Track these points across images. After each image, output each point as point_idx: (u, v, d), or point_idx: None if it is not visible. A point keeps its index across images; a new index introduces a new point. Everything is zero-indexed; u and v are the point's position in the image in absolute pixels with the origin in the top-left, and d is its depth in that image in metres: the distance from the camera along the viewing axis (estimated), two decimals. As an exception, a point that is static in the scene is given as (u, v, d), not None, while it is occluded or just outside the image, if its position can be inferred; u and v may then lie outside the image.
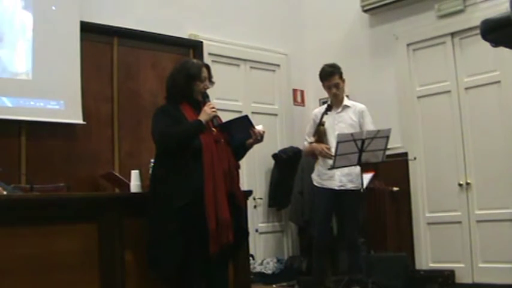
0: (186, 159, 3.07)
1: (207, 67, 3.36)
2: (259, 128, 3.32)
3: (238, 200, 3.24)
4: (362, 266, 4.27)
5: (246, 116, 3.33)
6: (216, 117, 3.23)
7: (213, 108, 3.19)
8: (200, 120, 3.13)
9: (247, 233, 3.42)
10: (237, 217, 3.20)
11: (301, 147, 5.17)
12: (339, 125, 4.34)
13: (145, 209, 3.12)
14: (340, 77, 4.40)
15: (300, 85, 6.18)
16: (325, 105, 4.43)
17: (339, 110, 4.39)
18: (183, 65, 3.33)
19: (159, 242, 3.02)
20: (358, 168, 4.14)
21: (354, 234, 4.30)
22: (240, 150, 3.38)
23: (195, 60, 3.52)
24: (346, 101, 4.44)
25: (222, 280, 3.25)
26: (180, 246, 2.98)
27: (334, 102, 4.42)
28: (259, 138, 3.32)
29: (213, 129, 3.19)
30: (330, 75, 4.37)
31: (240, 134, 3.28)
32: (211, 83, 3.35)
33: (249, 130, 3.28)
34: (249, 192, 3.77)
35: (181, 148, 3.08)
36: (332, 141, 4.20)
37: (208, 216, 2.97)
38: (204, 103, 3.22)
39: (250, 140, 3.32)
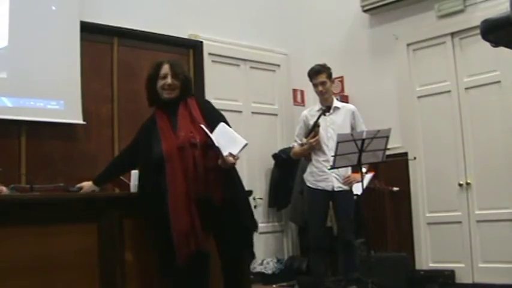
0: (149, 173, 3.06)
1: (170, 63, 3.17)
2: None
3: (216, 201, 2.98)
4: (358, 265, 4.28)
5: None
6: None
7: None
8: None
9: (245, 228, 3.10)
10: (221, 218, 3.02)
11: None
12: (330, 127, 4.35)
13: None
14: (328, 76, 4.41)
15: (300, 85, 6.16)
16: (316, 107, 4.47)
17: (330, 112, 4.39)
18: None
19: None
20: (349, 169, 4.27)
21: (349, 234, 4.31)
22: None
23: (160, 60, 3.31)
24: (336, 103, 4.46)
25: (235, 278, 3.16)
26: (162, 251, 3.00)
27: (321, 101, 4.44)
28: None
29: (181, 133, 3.01)
30: (317, 73, 4.40)
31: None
32: (176, 78, 3.12)
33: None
34: (249, 192, 3.74)
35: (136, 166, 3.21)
36: (325, 143, 4.28)
37: (173, 229, 2.92)
38: None
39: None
